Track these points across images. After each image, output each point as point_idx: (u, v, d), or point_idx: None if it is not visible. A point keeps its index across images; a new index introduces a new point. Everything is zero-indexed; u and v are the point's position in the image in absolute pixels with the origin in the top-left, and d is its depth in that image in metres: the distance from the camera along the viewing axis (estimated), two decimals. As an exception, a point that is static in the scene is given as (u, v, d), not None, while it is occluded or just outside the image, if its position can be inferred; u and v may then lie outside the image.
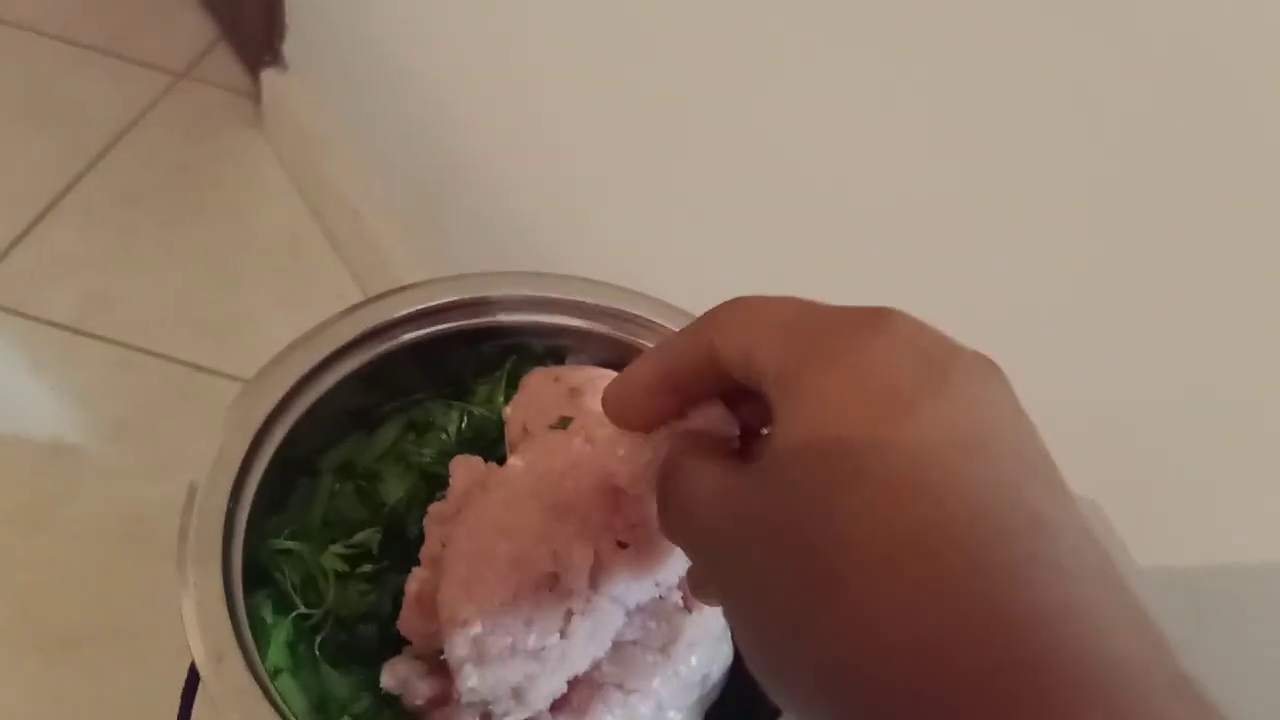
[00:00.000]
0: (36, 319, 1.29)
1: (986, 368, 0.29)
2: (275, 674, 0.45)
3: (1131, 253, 0.53)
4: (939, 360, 0.28)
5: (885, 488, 0.26)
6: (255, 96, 1.52)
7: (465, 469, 0.47)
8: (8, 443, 1.19)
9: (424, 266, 1.26)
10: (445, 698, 0.45)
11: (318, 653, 0.46)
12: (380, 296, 0.52)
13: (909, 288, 0.63)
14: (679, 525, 0.33)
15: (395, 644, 0.46)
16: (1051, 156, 0.55)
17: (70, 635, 1.06)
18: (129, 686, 1.03)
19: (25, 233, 1.36)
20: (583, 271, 0.95)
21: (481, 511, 0.43)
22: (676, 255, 0.85)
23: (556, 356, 0.55)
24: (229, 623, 0.42)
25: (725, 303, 0.32)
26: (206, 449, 0.47)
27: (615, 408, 0.36)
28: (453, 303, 0.53)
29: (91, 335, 1.29)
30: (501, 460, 0.51)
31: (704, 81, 0.76)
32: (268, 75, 1.46)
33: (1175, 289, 0.52)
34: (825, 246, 0.72)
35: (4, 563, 1.10)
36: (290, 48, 1.43)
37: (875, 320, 0.29)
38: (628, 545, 0.41)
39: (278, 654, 0.45)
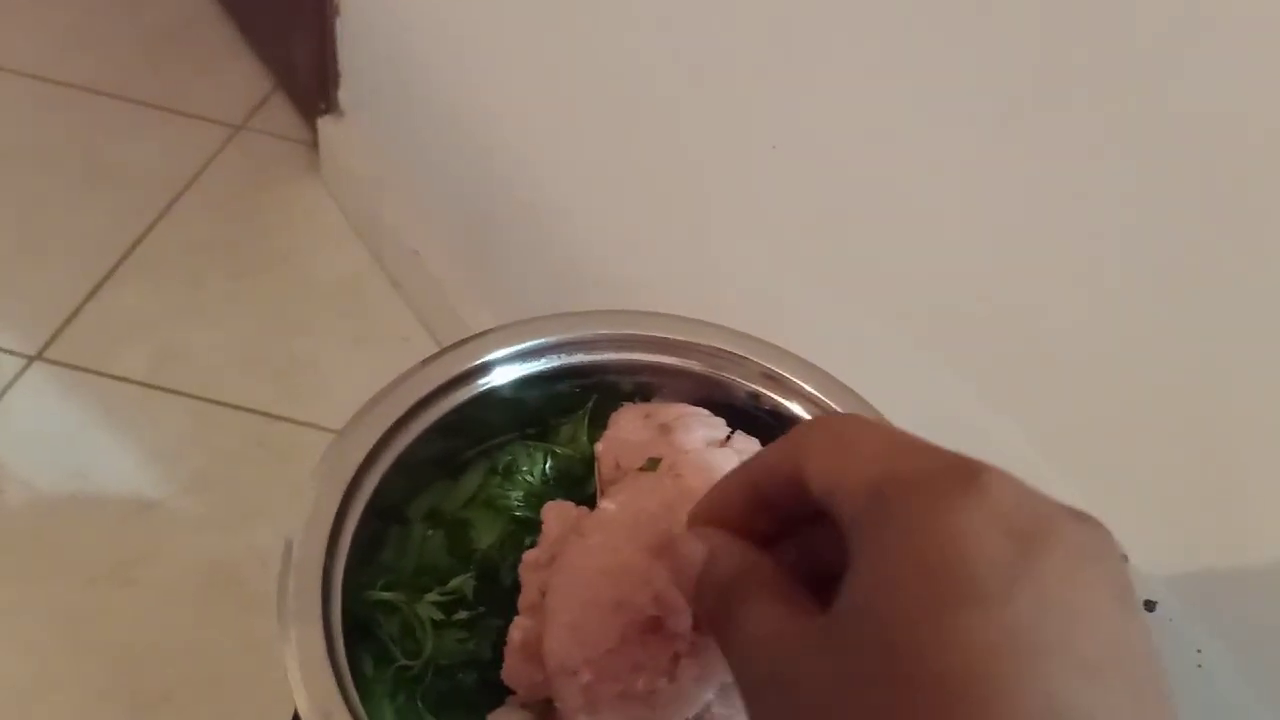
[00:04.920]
0: (109, 375, 1.31)
1: (1089, 545, 0.26)
2: (381, 728, 0.45)
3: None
4: (1029, 540, 0.25)
5: (936, 689, 0.24)
6: (312, 144, 1.54)
7: (558, 514, 0.46)
8: (89, 501, 1.20)
9: (485, 302, 1.27)
10: (552, 746, 0.44)
11: (420, 703, 0.46)
12: (459, 344, 0.52)
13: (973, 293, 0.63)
14: (735, 658, 0.31)
15: (495, 691, 0.46)
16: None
17: (164, 690, 1.08)
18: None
19: (94, 291, 1.39)
20: (641, 300, 0.96)
21: (579, 557, 0.43)
22: (737, 280, 0.85)
23: (643, 394, 0.55)
24: (333, 679, 0.42)
25: (817, 422, 0.31)
26: (296, 503, 0.47)
27: (705, 524, 0.35)
28: (532, 347, 0.53)
29: (163, 389, 1.31)
30: (589, 498, 0.51)
31: (763, 110, 0.76)
32: (324, 123, 1.48)
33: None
34: (885, 254, 0.71)
35: (94, 621, 1.11)
36: (345, 95, 1.44)
37: (967, 483, 0.26)
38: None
39: (382, 707, 0.45)
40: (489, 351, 0.52)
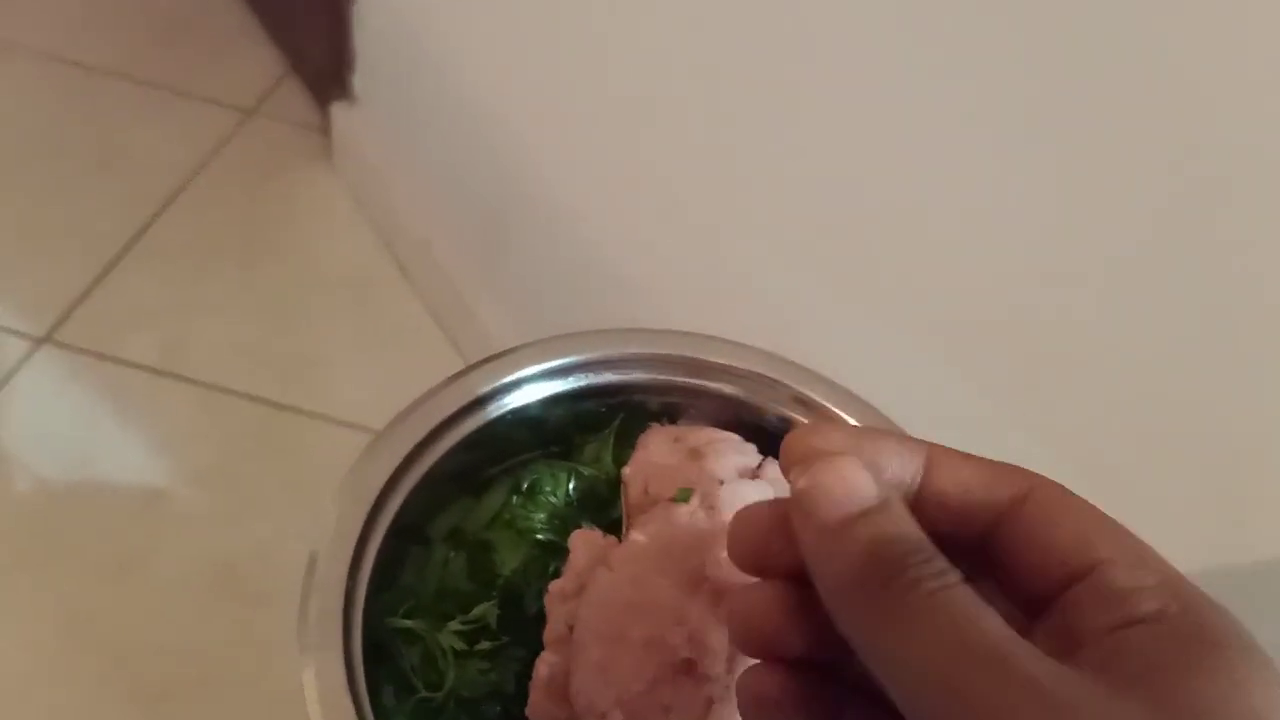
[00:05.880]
0: (116, 360, 1.30)
1: None
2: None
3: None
4: None
5: None
6: (325, 130, 1.52)
7: (586, 544, 0.45)
8: (95, 490, 1.20)
9: (494, 293, 1.26)
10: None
11: (441, 736, 0.45)
12: (485, 361, 0.51)
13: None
14: (924, 631, 0.26)
15: (518, 724, 0.45)
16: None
17: (166, 687, 1.07)
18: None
19: (103, 275, 1.38)
20: (649, 298, 0.95)
21: (609, 590, 0.42)
22: (749, 283, 0.85)
23: (670, 414, 0.53)
24: (353, 710, 0.41)
25: (1049, 481, 0.31)
26: (315, 515, 0.46)
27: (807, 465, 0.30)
28: (559, 366, 0.52)
29: (172, 376, 1.30)
30: (614, 521, 0.50)
31: (777, 114, 0.76)
32: (337, 109, 1.47)
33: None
34: (899, 259, 0.71)
35: (96, 613, 1.11)
36: (358, 81, 1.43)
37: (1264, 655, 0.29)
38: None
39: (403, 740, 0.44)
40: (515, 370, 0.51)
